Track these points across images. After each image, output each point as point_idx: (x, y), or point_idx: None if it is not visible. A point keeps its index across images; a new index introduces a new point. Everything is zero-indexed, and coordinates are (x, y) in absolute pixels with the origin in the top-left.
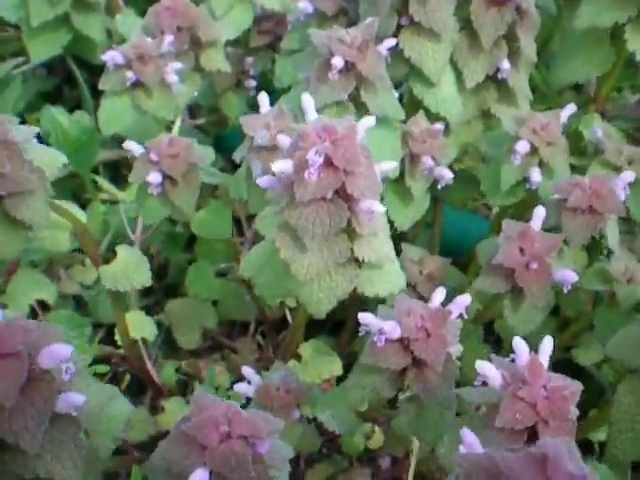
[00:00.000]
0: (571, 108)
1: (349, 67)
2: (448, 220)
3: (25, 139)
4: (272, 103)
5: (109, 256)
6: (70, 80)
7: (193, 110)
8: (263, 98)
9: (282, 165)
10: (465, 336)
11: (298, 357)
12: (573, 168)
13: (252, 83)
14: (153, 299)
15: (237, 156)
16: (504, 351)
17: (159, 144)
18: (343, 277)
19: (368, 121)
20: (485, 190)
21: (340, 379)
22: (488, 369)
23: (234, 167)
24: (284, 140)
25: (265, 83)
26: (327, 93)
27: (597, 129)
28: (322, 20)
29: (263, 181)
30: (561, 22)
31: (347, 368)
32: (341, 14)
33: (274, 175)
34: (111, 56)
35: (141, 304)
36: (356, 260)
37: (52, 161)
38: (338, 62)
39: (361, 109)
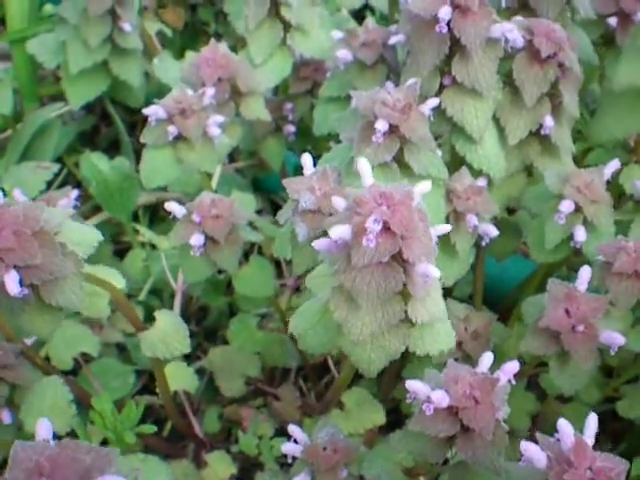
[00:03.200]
0: (615, 165)
1: (392, 129)
2: (489, 261)
3: (59, 222)
4: (310, 148)
5: (150, 302)
6: (108, 117)
7: (233, 154)
8: (307, 160)
9: (340, 231)
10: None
11: (341, 404)
12: (616, 223)
13: (291, 128)
14: (194, 342)
15: (281, 218)
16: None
17: (201, 205)
18: (396, 337)
19: (424, 187)
20: (530, 246)
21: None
22: (534, 451)
23: (273, 206)
24: (339, 203)
25: (304, 128)
26: (371, 155)
27: (638, 183)
28: (361, 69)
29: (319, 244)
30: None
31: (389, 412)
32: (380, 62)
33: (330, 238)
34: (153, 111)
35: None
36: (409, 320)
37: (88, 239)
38: (382, 126)
39: (405, 169)
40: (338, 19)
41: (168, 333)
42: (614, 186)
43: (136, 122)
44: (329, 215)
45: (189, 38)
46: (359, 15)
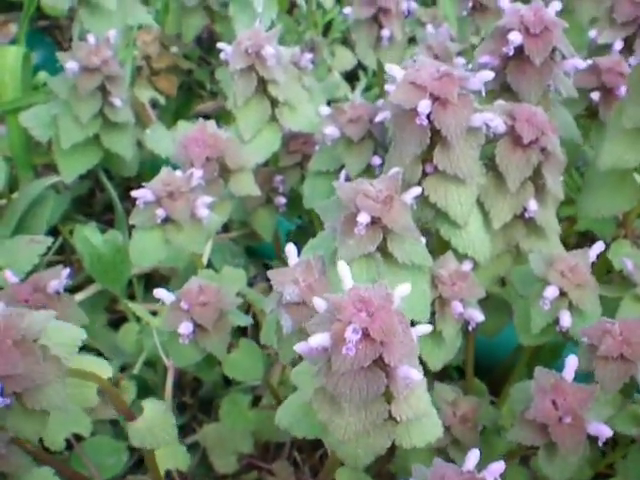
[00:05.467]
0: (599, 247)
1: (375, 220)
2: None
3: (40, 327)
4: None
5: (144, 374)
6: (101, 183)
7: (226, 223)
8: (291, 250)
9: (319, 339)
10: None
11: None
12: (604, 299)
13: (282, 200)
14: (189, 415)
15: (267, 308)
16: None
17: (189, 292)
18: (381, 435)
19: (404, 289)
20: (516, 328)
21: None
22: None
23: (267, 271)
24: (320, 304)
25: (295, 198)
26: (354, 247)
27: (627, 261)
28: (349, 144)
29: (299, 348)
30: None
31: None
32: (367, 137)
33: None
34: (142, 194)
35: (177, 422)
36: (393, 418)
37: (71, 338)
38: (364, 219)
39: (389, 258)
40: (329, 84)
41: (155, 423)
42: (602, 260)
43: (131, 187)
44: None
45: (184, 100)
46: (352, 73)
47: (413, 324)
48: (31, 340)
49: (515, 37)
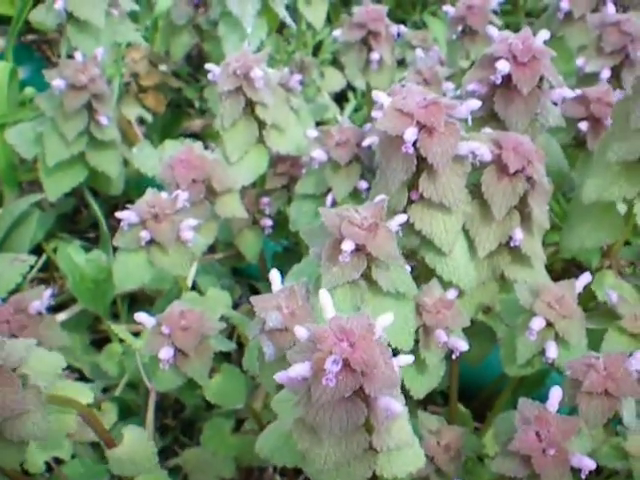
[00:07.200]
0: (586, 277)
1: (359, 247)
2: None
3: (22, 355)
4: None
5: (126, 396)
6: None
7: (211, 244)
8: (275, 276)
9: (299, 369)
10: None
11: None
12: (589, 331)
13: (268, 222)
14: (171, 437)
15: (250, 334)
16: None
17: (170, 317)
18: (361, 465)
19: (386, 319)
20: (502, 358)
21: None
22: None
23: (253, 293)
24: (301, 333)
25: (281, 220)
26: (339, 274)
27: (611, 293)
28: (336, 167)
29: (279, 377)
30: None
31: None
32: (355, 161)
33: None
34: (126, 216)
35: (159, 445)
36: (374, 448)
37: (52, 367)
38: (349, 246)
39: (373, 286)
40: (318, 105)
41: (136, 451)
42: (588, 289)
43: (116, 204)
44: None
45: (172, 117)
46: (341, 94)
47: (396, 352)
48: (10, 369)
49: (503, 66)
